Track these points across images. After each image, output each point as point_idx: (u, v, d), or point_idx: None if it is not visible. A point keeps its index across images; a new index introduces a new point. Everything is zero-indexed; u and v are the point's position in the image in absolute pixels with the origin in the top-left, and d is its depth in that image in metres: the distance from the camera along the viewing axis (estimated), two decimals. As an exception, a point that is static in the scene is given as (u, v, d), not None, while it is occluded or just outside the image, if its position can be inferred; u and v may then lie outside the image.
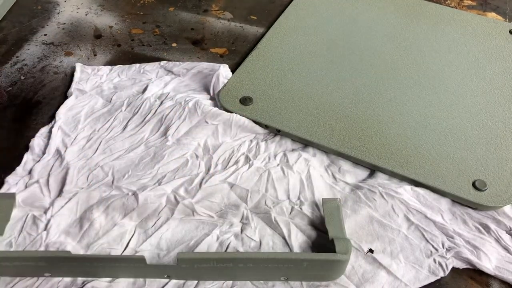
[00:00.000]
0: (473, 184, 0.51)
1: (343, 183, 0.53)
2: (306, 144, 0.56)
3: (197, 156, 0.55)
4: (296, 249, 0.47)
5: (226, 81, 0.62)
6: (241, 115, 0.58)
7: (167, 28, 0.73)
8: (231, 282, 0.45)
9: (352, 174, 0.54)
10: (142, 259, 0.42)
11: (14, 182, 0.53)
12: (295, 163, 0.54)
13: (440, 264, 0.46)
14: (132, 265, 0.43)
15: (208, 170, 0.53)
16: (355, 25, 0.71)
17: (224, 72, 0.64)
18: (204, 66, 0.66)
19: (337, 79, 0.62)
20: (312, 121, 0.57)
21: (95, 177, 0.53)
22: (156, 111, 0.59)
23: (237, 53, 0.70)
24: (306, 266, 0.43)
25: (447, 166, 0.53)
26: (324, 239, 0.47)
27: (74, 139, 0.56)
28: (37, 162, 0.54)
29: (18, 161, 0.55)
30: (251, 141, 0.56)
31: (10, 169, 0.54)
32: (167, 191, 0.51)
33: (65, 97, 0.62)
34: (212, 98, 0.61)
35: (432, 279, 0.46)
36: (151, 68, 0.65)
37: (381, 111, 0.59)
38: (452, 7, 0.77)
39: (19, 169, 0.54)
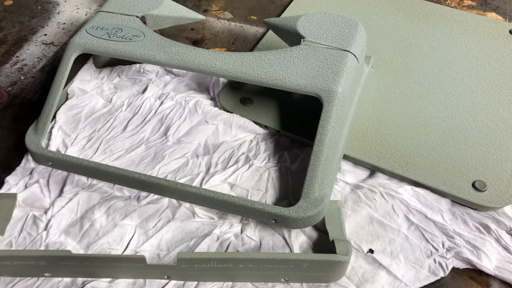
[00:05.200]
0: (473, 185, 0.51)
1: (343, 183, 0.53)
2: (306, 144, 0.56)
3: (197, 156, 0.55)
4: (296, 249, 0.47)
5: (226, 81, 0.62)
6: (241, 115, 0.58)
7: (167, 28, 0.73)
8: (231, 283, 0.45)
9: (352, 174, 0.54)
10: (142, 259, 0.42)
11: (14, 182, 0.53)
12: (295, 163, 0.54)
13: (440, 264, 0.46)
14: (132, 265, 0.43)
15: (208, 169, 0.53)
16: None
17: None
18: (204, 66, 0.66)
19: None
20: (311, 122, 0.57)
21: (95, 177, 0.53)
22: (156, 111, 0.59)
23: (237, 53, 0.70)
24: (306, 267, 0.43)
25: (446, 167, 0.53)
26: (324, 239, 0.47)
27: (75, 139, 0.56)
28: (37, 162, 0.54)
29: (18, 161, 0.55)
30: (251, 141, 0.56)
31: (10, 169, 0.54)
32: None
33: (65, 97, 0.62)
34: (212, 98, 0.61)
35: (432, 279, 0.46)
36: (151, 68, 0.65)
37: (380, 112, 0.59)
38: (452, 7, 0.77)
39: (19, 169, 0.54)
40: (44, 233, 0.48)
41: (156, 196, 0.51)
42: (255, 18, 0.76)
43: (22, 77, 0.66)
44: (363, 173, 0.54)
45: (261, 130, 0.57)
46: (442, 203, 0.51)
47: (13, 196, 0.50)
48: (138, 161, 0.54)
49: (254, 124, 0.58)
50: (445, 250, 0.47)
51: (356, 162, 0.55)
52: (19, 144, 0.57)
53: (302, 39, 0.53)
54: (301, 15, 0.55)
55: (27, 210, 0.50)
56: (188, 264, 0.42)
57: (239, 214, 0.47)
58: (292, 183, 0.52)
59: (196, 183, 0.52)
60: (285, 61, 0.50)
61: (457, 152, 0.54)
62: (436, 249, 0.47)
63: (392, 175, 0.53)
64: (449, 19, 0.72)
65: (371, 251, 0.47)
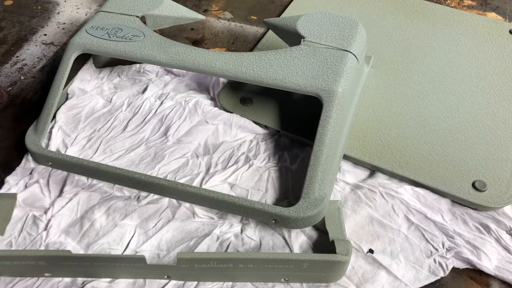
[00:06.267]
0: (473, 185, 0.51)
1: (343, 183, 0.53)
2: (306, 144, 0.56)
3: (197, 156, 0.55)
4: (296, 249, 0.47)
5: (226, 81, 0.62)
6: (241, 115, 0.58)
7: (167, 28, 0.73)
8: (231, 283, 0.45)
9: (352, 174, 0.54)
10: (142, 259, 0.42)
11: (14, 182, 0.53)
12: (295, 163, 0.54)
13: (440, 264, 0.46)
14: (132, 265, 0.43)
15: (208, 169, 0.53)
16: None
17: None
18: (204, 66, 0.66)
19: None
20: (311, 122, 0.57)
21: (95, 177, 0.53)
22: (156, 111, 0.59)
23: (237, 53, 0.70)
24: (306, 267, 0.43)
25: (446, 167, 0.53)
26: (324, 239, 0.47)
27: (75, 139, 0.56)
28: (37, 162, 0.54)
29: (18, 161, 0.55)
30: (251, 141, 0.56)
31: (10, 169, 0.54)
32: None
33: (65, 97, 0.62)
34: (212, 98, 0.61)
35: (432, 279, 0.46)
36: (151, 68, 0.65)
37: (381, 112, 0.59)
38: (452, 7, 0.77)
39: (19, 169, 0.54)
40: (44, 233, 0.48)
41: (156, 196, 0.51)
42: (255, 18, 0.76)
43: (22, 77, 0.66)
44: (363, 173, 0.54)
45: (261, 130, 0.57)
46: (442, 203, 0.51)
47: (13, 196, 0.50)
48: (138, 161, 0.54)
49: (254, 124, 0.58)
50: (445, 250, 0.47)
51: (356, 162, 0.55)
52: (19, 144, 0.57)
53: (302, 39, 0.53)
54: (301, 15, 0.55)
55: (27, 210, 0.50)
56: (188, 264, 0.42)
57: (239, 214, 0.47)
58: (292, 183, 0.52)
59: (196, 183, 0.52)
60: (285, 61, 0.50)
61: (457, 152, 0.54)
62: (436, 249, 0.47)
63: (392, 175, 0.53)
64: (449, 19, 0.72)
65: (371, 251, 0.47)
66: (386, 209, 0.50)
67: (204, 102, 0.60)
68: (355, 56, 0.51)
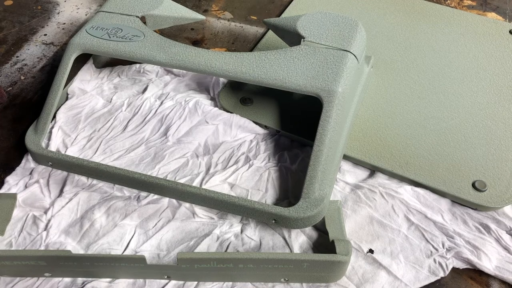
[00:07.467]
0: (473, 185, 0.51)
1: (343, 183, 0.53)
2: (306, 144, 0.56)
3: (197, 156, 0.55)
4: (296, 249, 0.47)
5: (226, 81, 0.62)
6: (241, 115, 0.58)
7: (167, 28, 0.73)
8: (231, 283, 0.45)
9: (352, 174, 0.54)
10: (142, 259, 0.42)
11: (14, 182, 0.53)
12: (295, 163, 0.54)
13: (440, 264, 0.46)
14: (132, 265, 0.43)
15: (208, 169, 0.53)
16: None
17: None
18: (204, 66, 0.66)
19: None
20: (311, 122, 0.57)
21: (95, 177, 0.53)
22: (156, 111, 0.59)
23: (237, 53, 0.70)
24: (306, 267, 0.43)
25: (446, 167, 0.53)
26: (324, 239, 0.47)
27: (75, 139, 0.56)
28: (37, 162, 0.54)
29: (18, 161, 0.55)
30: (251, 141, 0.56)
31: (10, 169, 0.54)
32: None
33: (65, 97, 0.62)
34: (212, 98, 0.61)
35: (432, 279, 0.46)
36: (151, 68, 0.65)
37: (381, 112, 0.59)
38: (452, 7, 0.77)
39: (19, 169, 0.54)
40: (44, 233, 0.48)
41: (156, 196, 0.51)
42: (255, 18, 0.76)
43: (22, 77, 0.66)
44: (363, 173, 0.54)
45: (261, 130, 0.57)
46: (442, 203, 0.51)
47: (13, 196, 0.50)
48: (138, 161, 0.54)
49: (254, 124, 0.58)
50: (445, 250, 0.47)
51: (356, 162, 0.55)
52: (19, 144, 0.57)
53: (302, 39, 0.53)
54: (301, 15, 0.55)
55: (27, 210, 0.50)
56: (188, 264, 0.42)
57: (239, 214, 0.47)
58: (292, 183, 0.52)
59: (196, 183, 0.52)
60: (285, 61, 0.50)
61: (457, 152, 0.54)
62: (436, 249, 0.47)
63: (392, 175, 0.53)
64: (449, 19, 0.72)
65: (371, 251, 0.47)
66: (386, 209, 0.50)
67: (204, 102, 0.60)
68: (355, 56, 0.51)
